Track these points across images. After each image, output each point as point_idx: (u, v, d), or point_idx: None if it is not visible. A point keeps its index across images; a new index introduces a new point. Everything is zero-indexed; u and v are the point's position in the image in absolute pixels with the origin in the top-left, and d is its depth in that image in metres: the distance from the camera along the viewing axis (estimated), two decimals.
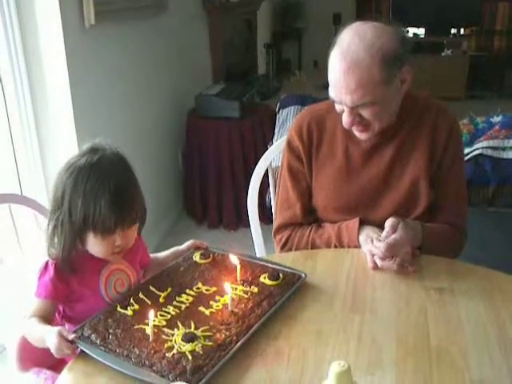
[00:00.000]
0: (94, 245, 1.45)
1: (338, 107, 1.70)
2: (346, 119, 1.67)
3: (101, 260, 1.51)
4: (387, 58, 1.59)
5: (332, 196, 1.84)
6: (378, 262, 1.61)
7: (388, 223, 1.65)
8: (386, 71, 1.60)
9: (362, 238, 1.72)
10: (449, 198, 1.81)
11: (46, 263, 1.49)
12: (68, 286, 1.48)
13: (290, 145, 1.90)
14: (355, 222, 1.76)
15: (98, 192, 1.39)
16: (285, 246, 1.90)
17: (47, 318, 1.49)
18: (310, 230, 1.86)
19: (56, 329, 1.30)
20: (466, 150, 2.88)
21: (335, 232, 1.79)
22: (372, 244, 1.63)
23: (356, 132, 1.73)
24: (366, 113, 1.65)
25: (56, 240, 1.46)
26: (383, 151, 1.79)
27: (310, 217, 1.90)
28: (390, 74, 1.61)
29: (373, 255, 1.63)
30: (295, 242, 1.87)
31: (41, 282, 1.48)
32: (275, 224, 1.95)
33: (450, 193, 1.81)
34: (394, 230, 1.63)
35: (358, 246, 1.72)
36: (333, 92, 1.66)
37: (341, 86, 1.61)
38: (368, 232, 1.72)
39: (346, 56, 1.59)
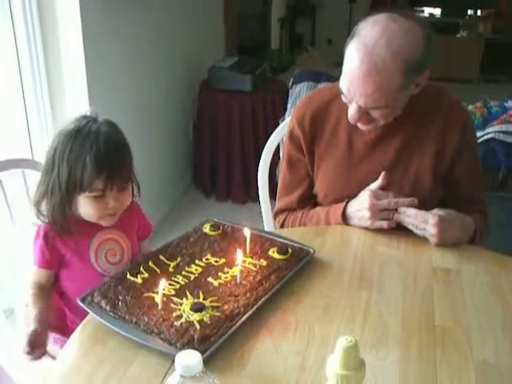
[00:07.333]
0: (87, 206, 1.44)
1: (344, 99, 1.63)
2: (352, 115, 1.62)
3: (93, 227, 1.51)
4: (411, 67, 1.52)
5: (333, 186, 1.82)
6: (383, 223, 1.64)
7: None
8: (406, 79, 1.54)
9: (352, 205, 1.72)
10: (466, 195, 1.79)
11: (38, 230, 1.49)
12: (56, 251, 1.49)
13: (290, 133, 1.86)
14: (343, 202, 1.74)
15: (83, 150, 1.39)
16: (281, 229, 1.94)
17: (45, 287, 1.52)
18: (302, 214, 1.87)
19: (28, 330, 1.35)
20: (478, 134, 2.86)
21: (324, 214, 1.79)
22: (373, 199, 1.63)
23: (358, 124, 1.68)
24: (375, 113, 1.62)
25: (44, 204, 1.47)
26: (387, 143, 1.75)
27: (308, 202, 1.90)
28: (409, 81, 1.56)
29: (373, 217, 1.64)
30: (289, 225, 1.90)
31: (34, 250, 1.50)
32: (275, 207, 1.99)
33: (467, 189, 1.79)
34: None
35: (342, 224, 1.73)
36: (345, 86, 1.58)
37: (356, 86, 1.54)
38: (359, 196, 1.71)
39: (370, 58, 1.49)
